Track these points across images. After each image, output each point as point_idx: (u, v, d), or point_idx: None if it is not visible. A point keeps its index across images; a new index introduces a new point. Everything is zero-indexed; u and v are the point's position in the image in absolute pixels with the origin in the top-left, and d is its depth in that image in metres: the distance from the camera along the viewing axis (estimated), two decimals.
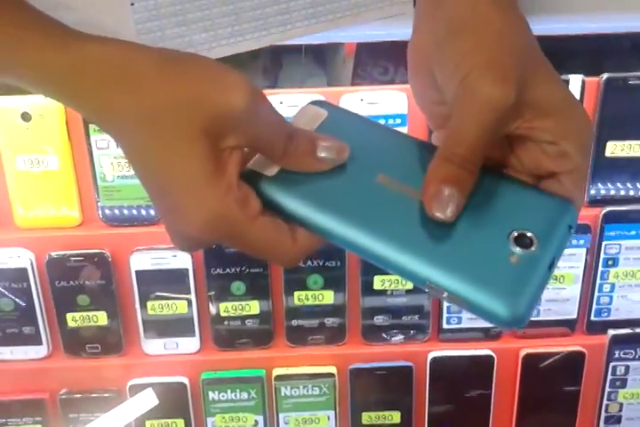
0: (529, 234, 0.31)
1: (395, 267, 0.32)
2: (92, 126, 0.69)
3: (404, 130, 0.69)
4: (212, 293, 0.73)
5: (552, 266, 0.31)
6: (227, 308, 0.74)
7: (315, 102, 0.37)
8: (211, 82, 0.30)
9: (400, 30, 0.46)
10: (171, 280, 0.73)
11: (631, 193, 0.74)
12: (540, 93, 0.32)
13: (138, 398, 0.75)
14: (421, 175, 0.33)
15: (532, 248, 0.31)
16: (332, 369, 0.77)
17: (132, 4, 0.44)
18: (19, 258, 0.72)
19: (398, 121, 0.69)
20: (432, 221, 0.32)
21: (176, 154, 0.30)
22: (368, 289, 0.74)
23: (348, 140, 0.35)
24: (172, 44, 0.44)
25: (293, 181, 0.34)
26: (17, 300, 0.73)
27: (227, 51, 0.44)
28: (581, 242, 0.74)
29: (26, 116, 0.68)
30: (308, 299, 0.74)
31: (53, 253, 0.72)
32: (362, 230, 0.33)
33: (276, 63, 0.77)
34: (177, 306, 0.74)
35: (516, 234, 0.31)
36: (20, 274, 0.72)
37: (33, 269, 0.72)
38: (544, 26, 0.57)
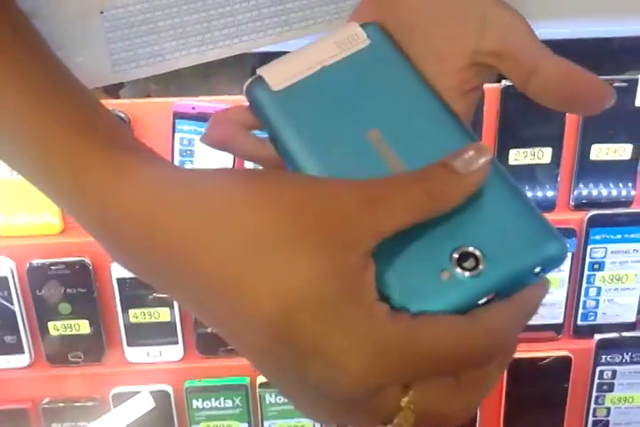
0: (477, 254, 0.26)
1: None
2: None
3: None
4: None
5: (488, 301, 0.27)
6: None
7: (365, 25, 0.31)
8: (311, 189, 0.25)
9: None
10: (153, 287, 0.72)
11: (617, 195, 0.74)
12: None
13: (134, 401, 0.74)
14: (415, 149, 0.29)
15: (469, 273, 0.26)
16: None
17: (102, 13, 0.44)
18: None
19: None
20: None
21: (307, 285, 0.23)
22: None
23: (366, 80, 0.30)
24: (142, 53, 0.44)
25: (292, 104, 0.30)
26: None
27: (197, 59, 0.43)
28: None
29: None
30: None
31: (34, 262, 0.71)
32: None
33: (264, 61, 0.77)
34: (159, 313, 0.73)
35: (463, 250, 0.27)
36: (1, 282, 0.71)
37: (14, 277, 0.71)
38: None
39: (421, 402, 0.25)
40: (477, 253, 0.26)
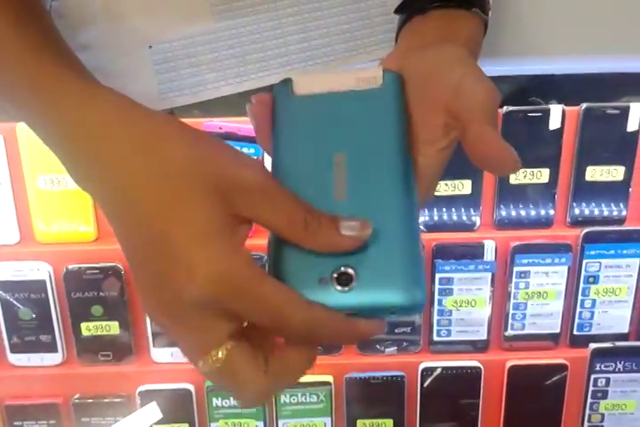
0: (352, 277, 0.31)
1: None
2: None
3: None
4: None
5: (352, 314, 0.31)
6: None
7: (386, 71, 0.37)
8: (230, 155, 0.31)
9: None
10: None
11: (610, 214, 0.79)
12: None
13: (142, 412, 0.79)
14: (361, 186, 0.33)
15: (339, 288, 0.30)
16: (329, 378, 0.81)
17: (150, 47, 0.50)
18: (38, 271, 0.76)
19: None
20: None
21: (189, 204, 0.30)
22: None
23: (360, 114, 0.35)
24: (185, 83, 0.50)
25: (297, 111, 0.35)
26: (35, 310, 0.78)
27: (234, 89, 0.50)
28: (563, 260, 0.79)
29: None
30: None
31: (70, 267, 0.76)
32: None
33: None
34: None
35: (345, 270, 0.31)
36: (39, 286, 0.77)
37: (51, 281, 0.77)
38: (529, 66, 0.63)
39: (232, 360, 0.30)
40: (353, 276, 0.31)
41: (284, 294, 0.30)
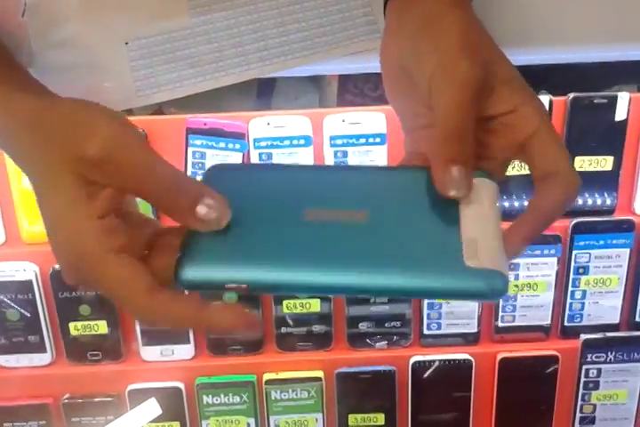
0: None
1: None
2: None
3: (383, 148, 0.74)
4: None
5: None
6: None
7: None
8: (74, 128, 0.33)
9: (368, 64, 0.51)
10: None
11: (600, 204, 0.78)
12: (500, 70, 0.36)
13: (142, 408, 0.79)
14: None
15: None
16: (320, 374, 0.81)
17: (127, 43, 0.49)
18: (24, 271, 0.76)
19: (378, 140, 0.73)
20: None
21: (48, 186, 0.34)
22: (353, 298, 0.78)
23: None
24: (162, 79, 0.49)
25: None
26: (22, 310, 0.77)
27: (211, 85, 0.49)
28: (552, 251, 0.79)
29: None
30: (296, 307, 0.79)
31: (57, 266, 0.76)
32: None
33: (269, 80, 0.82)
34: None
35: None
36: (26, 286, 0.76)
37: (37, 281, 0.76)
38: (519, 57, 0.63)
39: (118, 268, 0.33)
40: None
41: (126, 274, 0.33)
